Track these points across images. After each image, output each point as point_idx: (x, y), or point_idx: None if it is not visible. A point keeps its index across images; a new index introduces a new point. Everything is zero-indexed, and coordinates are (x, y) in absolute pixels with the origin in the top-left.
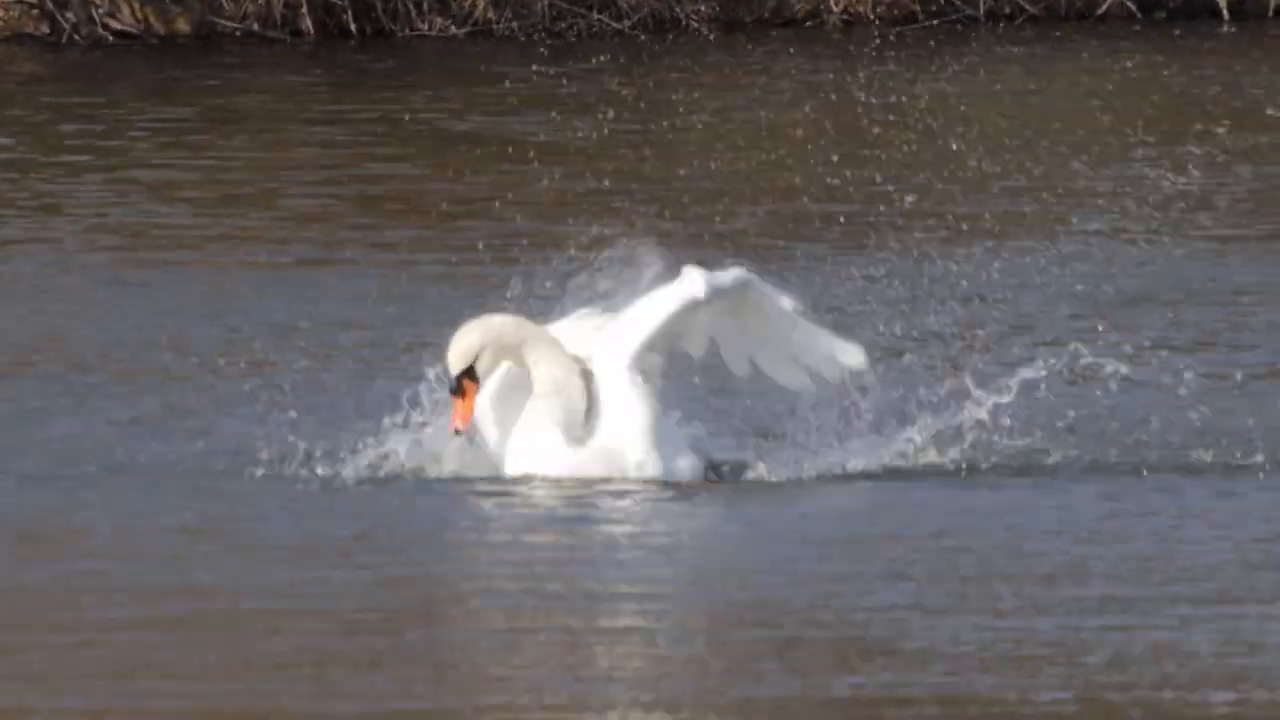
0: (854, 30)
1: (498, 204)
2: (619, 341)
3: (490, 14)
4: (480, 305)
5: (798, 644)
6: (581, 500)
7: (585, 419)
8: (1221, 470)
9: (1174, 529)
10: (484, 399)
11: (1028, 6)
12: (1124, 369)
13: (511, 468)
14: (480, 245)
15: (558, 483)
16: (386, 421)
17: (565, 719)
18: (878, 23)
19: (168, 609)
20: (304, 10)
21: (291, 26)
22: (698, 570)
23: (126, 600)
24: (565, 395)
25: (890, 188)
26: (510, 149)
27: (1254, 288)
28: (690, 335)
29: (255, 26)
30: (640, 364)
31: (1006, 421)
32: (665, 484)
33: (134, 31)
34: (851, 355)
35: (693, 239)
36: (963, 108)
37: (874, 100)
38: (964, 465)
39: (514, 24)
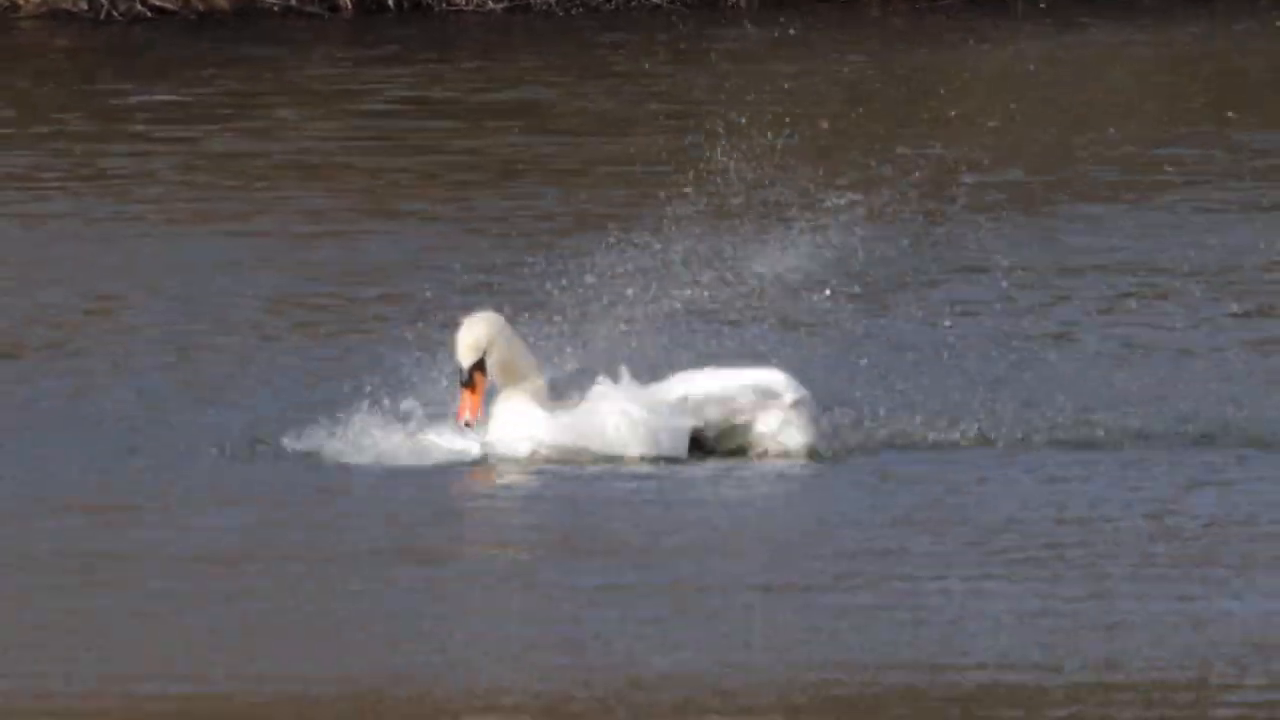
0: (891, 5)
1: (534, 175)
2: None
3: None
4: (516, 280)
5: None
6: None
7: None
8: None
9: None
10: None
11: None
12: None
13: (499, 444)
14: (514, 217)
15: (545, 454)
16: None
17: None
18: None
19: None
20: None
21: (329, 2)
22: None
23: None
24: (516, 375)
25: (943, 153)
26: (546, 121)
27: None
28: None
29: (293, 1)
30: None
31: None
32: (645, 459)
33: (172, 8)
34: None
35: (735, 211)
36: (996, 80)
37: (906, 72)
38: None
39: None
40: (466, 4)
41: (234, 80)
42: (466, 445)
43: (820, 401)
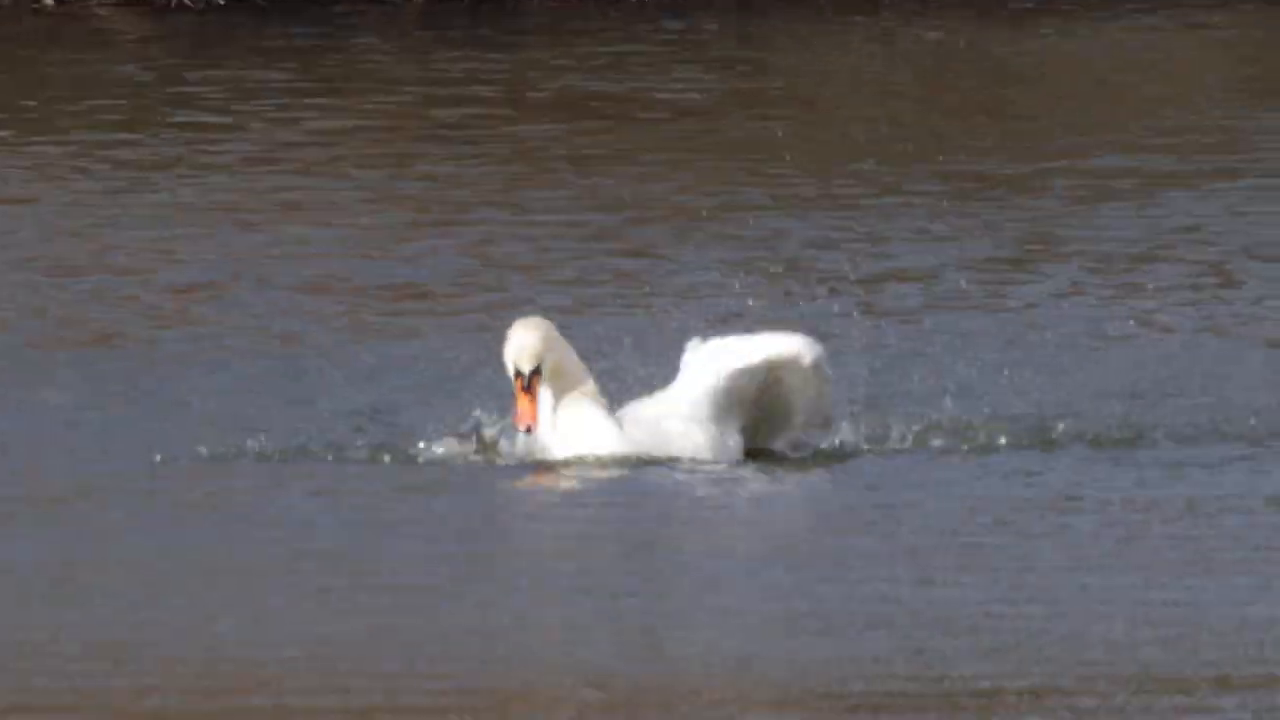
0: None
1: (617, 163)
2: (711, 363)
3: None
4: (603, 265)
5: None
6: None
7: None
8: None
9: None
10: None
11: None
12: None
13: (561, 451)
14: (596, 206)
15: (610, 460)
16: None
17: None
18: None
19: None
20: None
21: None
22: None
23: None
24: (568, 380)
25: (1002, 142)
26: (626, 108)
27: None
28: (753, 397)
29: None
30: (718, 396)
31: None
32: (713, 463)
33: None
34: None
35: (813, 200)
36: (1070, 67)
37: (978, 60)
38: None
39: None
40: None
41: (306, 68)
42: (538, 450)
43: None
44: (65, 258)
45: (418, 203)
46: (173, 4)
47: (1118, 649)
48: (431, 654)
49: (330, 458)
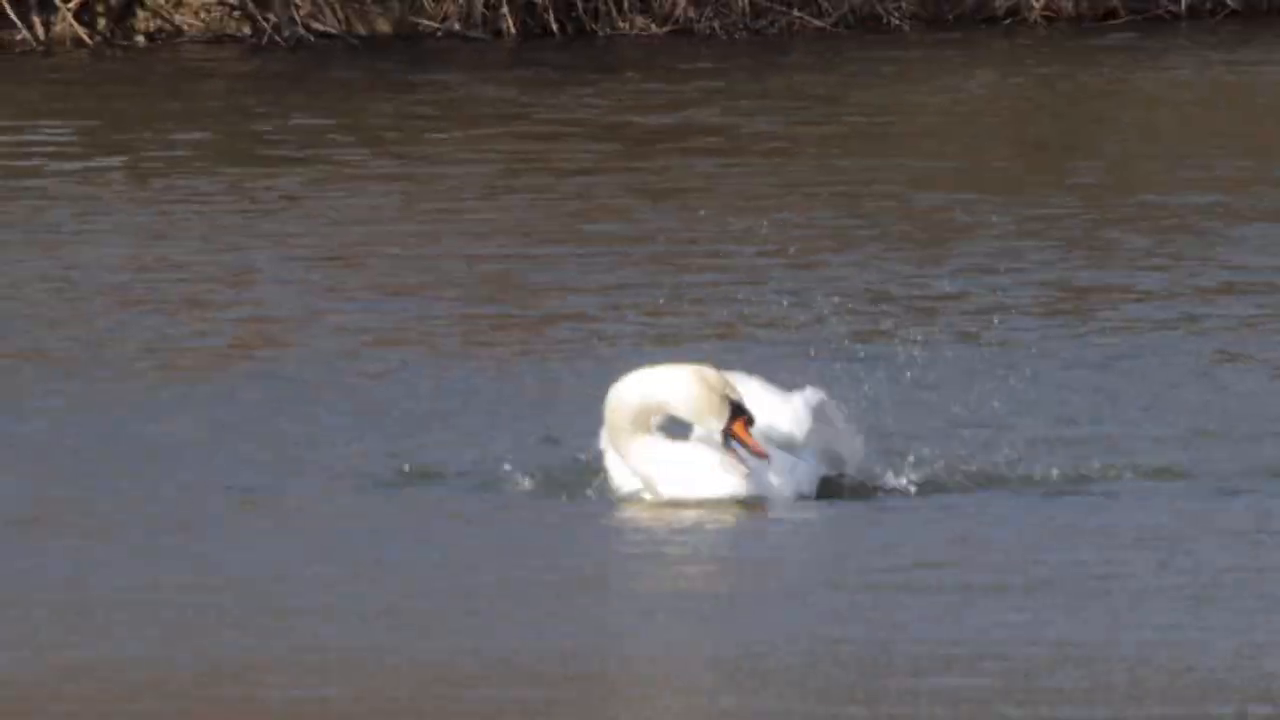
0: (1055, 26)
1: (705, 198)
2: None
3: (691, 12)
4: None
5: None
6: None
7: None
8: None
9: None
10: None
11: (1229, 2)
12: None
13: (671, 491)
14: (691, 241)
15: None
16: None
17: None
18: (1079, 19)
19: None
20: (505, 10)
21: (493, 26)
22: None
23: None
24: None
25: (1091, 181)
26: (715, 143)
27: None
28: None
29: (456, 26)
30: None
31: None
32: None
33: (335, 32)
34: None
35: (897, 234)
36: (1170, 102)
37: (1077, 94)
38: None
39: (714, 22)
40: (630, 28)
41: (400, 104)
42: (654, 482)
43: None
44: (199, 294)
45: (513, 233)
46: (264, 41)
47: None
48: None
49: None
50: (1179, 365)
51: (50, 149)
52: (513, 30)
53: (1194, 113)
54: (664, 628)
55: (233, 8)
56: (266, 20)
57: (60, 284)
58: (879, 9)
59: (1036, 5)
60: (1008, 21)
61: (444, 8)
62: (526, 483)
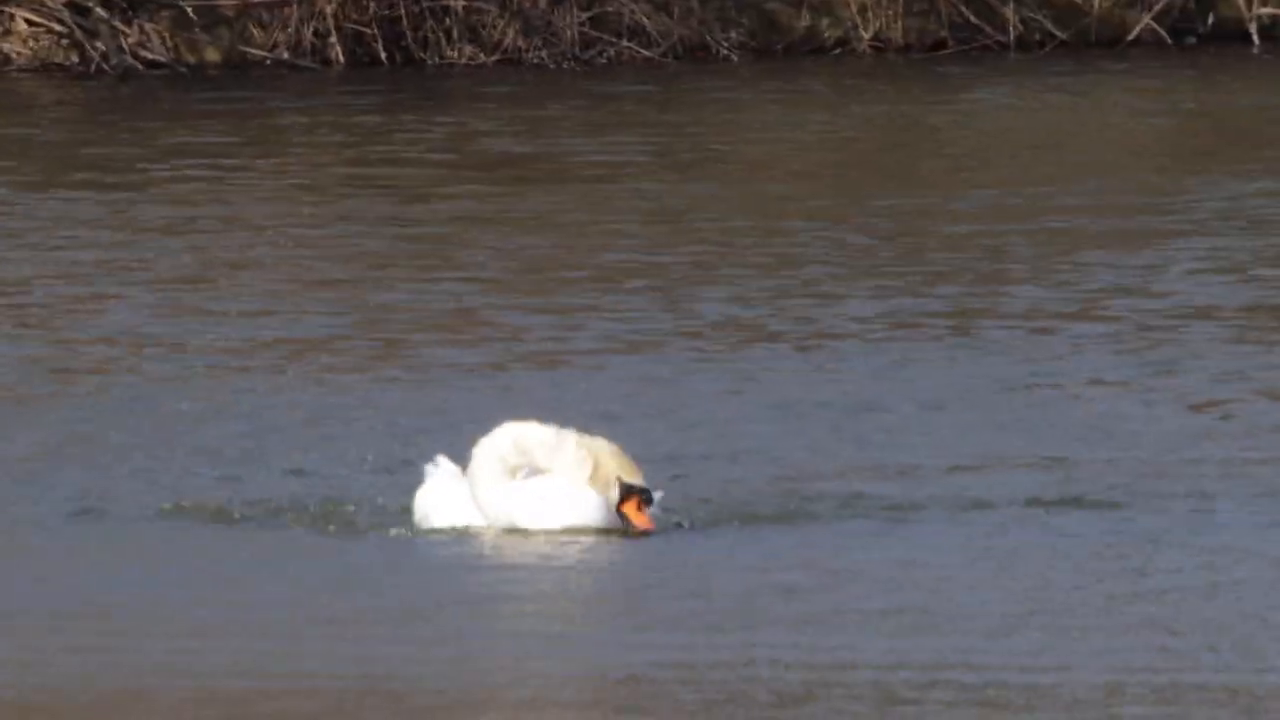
0: (884, 56)
1: (540, 225)
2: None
3: (520, 42)
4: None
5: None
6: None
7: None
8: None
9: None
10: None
11: (1057, 33)
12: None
13: (544, 521)
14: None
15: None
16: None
17: None
18: (907, 48)
19: None
20: (333, 39)
21: (321, 55)
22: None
23: None
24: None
25: (924, 207)
26: (551, 171)
27: None
28: None
29: (285, 55)
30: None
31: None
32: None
33: (163, 60)
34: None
35: (753, 263)
36: (994, 132)
37: (906, 124)
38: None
39: (543, 52)
40: (459, 57)
41: (229, 132)
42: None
43: None
44: (26, 317)
45: (343, 260)
46: (92, 69)
47: None
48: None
49: None
50: (1005, 389)
51: None
52: (341, 59)
53: (1024, 139)
54: (505, 654)
55: (61, 36)
56: (95, 49)
57: None
58: (708, 39)
59: (866, 36)
60: (837, 51)
61: (272, 36)
62: (357, 515)
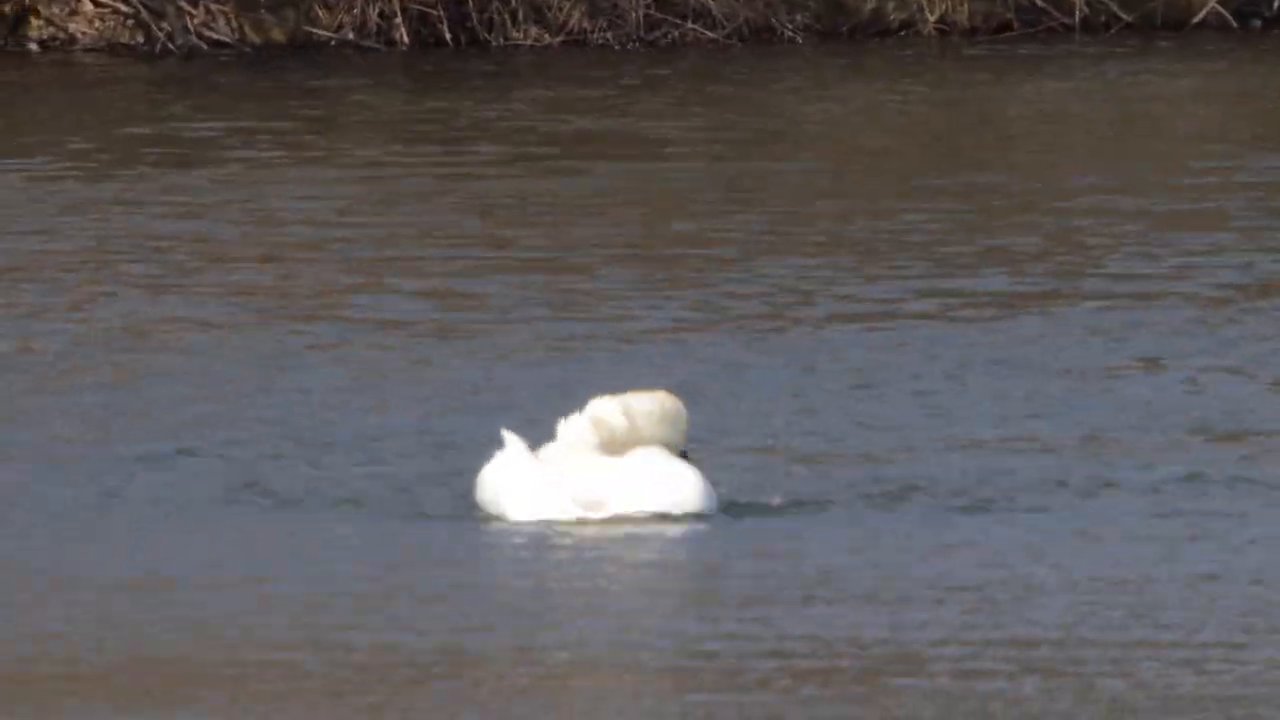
0: (949, 39)
1: (616, 205)
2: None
3: (585, 23)
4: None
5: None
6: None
7: None
8: None
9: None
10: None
11: (1123, 15)
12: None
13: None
14: (603, 250)
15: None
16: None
17: None
18: (973, 31)
19: None
20: (399, 20)
21: (386, 36)
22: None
23: None
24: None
25: (985, 191)
26: (621, 149)
27: None
28: None
29: (350, 35)
30: None
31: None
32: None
33: (229, 41)
34: None
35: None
36: (1059, 115)
37: (971, 105)
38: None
39: (608, 33)
40: (524, 38)
41: (295, 113)
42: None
43: None
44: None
45: (418, 241)
46: (157, 49)
47: None
48: None
49: None
50: (1068, 368)
51: None
52: (406, 40)
53: (1089, 121)
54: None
55: (126, 16)
56: (160, 29)
57: None
58: (773, 21)
59: (931, 18)
60: (902, 33)
61: (337, 17)
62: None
